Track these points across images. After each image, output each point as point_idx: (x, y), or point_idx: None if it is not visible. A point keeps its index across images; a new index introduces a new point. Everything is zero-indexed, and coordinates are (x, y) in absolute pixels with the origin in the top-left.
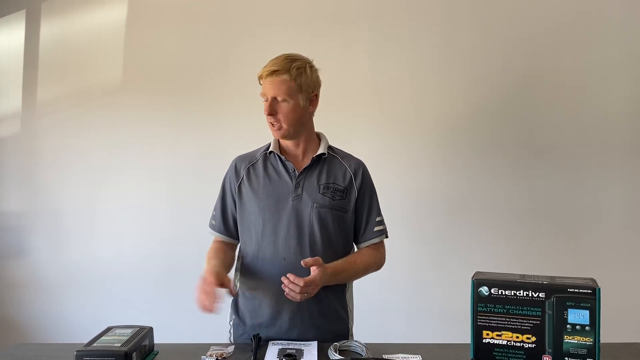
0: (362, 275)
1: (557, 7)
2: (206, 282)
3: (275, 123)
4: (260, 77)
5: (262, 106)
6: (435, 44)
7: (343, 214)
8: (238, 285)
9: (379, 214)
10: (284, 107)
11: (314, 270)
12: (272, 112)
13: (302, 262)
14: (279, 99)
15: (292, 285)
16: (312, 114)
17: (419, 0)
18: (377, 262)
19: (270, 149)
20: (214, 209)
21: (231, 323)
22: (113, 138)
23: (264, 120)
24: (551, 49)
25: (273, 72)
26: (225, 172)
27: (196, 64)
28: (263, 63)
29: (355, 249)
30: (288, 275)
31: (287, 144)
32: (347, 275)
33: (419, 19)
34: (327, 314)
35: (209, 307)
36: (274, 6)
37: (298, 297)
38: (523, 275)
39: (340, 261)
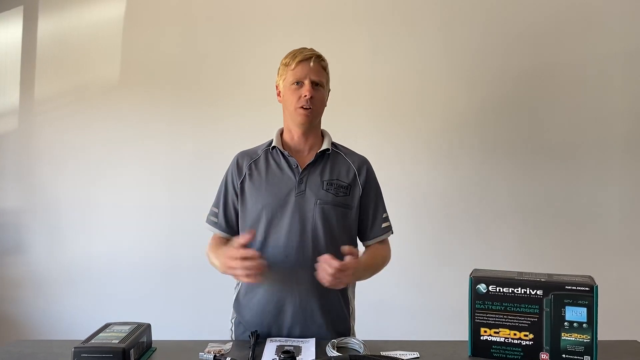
0: (380, 271)
1: (557, 6)
2: (234, 253)
3: (309, 107)
4: (298, 62)
5: (260, 102)
6: (436, 42)
7: (347, 210)
8: (239, 283)
9: (385, 210)
10: (320, 93)
11: (349, 258)
12: (313, 95)
13: (341, 249)
14: (318, 83)
15: (324, 265)
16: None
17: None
18: (388, 259)
19: (273, 145)
20: (214, 206)
21: (233, 321)
22: (111, 135)
23: (262, 117)
24: (551, 47)
25: (318, 57)
26: (227, 168)
27: (194, 62)
28: (262, 60)
29: (360, 247)
30: (323, 256)
31: (295, 138)
32: (371, 272)
33: (420, 17)
34: (330, 312)
35: (254, 270)
36: (274, 4)
37: (328, 280)
38: (521, 273)
39: (364, 257)
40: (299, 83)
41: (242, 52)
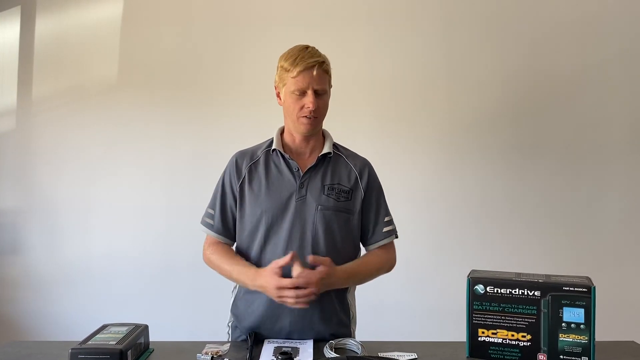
0: (374, 277)
1: (556, 7)
2: (285, 283)
3: (312, 117)
4: (300, 70)
5: (258, 102)
6: (437, 43)
7: (349, 215)
8: (236, 287)
9: (388, 213)
10: (324, 100)
11: (318, 269)
12: (317, 104)
13: (308, 258)
14: (322, 92)
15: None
16: None
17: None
18: (388, 264)
19: (273, 147)
20: (210, 207)
21: (229, 324)
22: (109, 135)
23: (259, 117)
24: (551, 49)
25: (322, 64)
26: (225, 168)
27: (193, 61)
28: (260, 60)
29: (363, 252)
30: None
31: (296, 140)
32: (360, 278)
33: (422, 17)
34: (329, 319)
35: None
36: (272, 3)
37: (291, 297)
38: (519, 274)
39: (352, 263)
40: (302, 92)
41: (241, 51)
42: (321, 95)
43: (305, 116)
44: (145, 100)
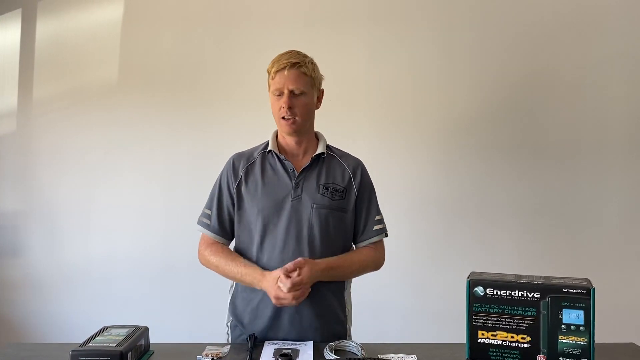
0: (359, 274)
1: (555, 7)
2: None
3: (290, 117)
4: (275, 71)
5: (258, 104)
6: (434, 44)
7: (343, 214)
8: (233, 286)
9: (379, 212)
10: (301, 100)
11: (299, 272)
12: (292, 104)
13: (283, 270)
14: (298, 92)
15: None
16: (316, 110)
17: (418, 0)
18: (374, 262)
19: (268, 148)
20: (207, 207)
21: (229, 324)
22: (109, 137)
23: (259, 119)
24: (550, 48)
25: (294, 65)
26: (222, 169)
27: (192, 63)
28: (259, 62)
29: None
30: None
31: (288, 142)
32: (341, 272)
33: (418, 18)
34: (326, 315)
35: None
36: (271, 5)
37: (290, 302)
38: (518, 276)
39: (334, 257)
40: (279, 93)
41: (240, 53)
42: (298, 95)
43: (284, 117)
44: (146, 102)
